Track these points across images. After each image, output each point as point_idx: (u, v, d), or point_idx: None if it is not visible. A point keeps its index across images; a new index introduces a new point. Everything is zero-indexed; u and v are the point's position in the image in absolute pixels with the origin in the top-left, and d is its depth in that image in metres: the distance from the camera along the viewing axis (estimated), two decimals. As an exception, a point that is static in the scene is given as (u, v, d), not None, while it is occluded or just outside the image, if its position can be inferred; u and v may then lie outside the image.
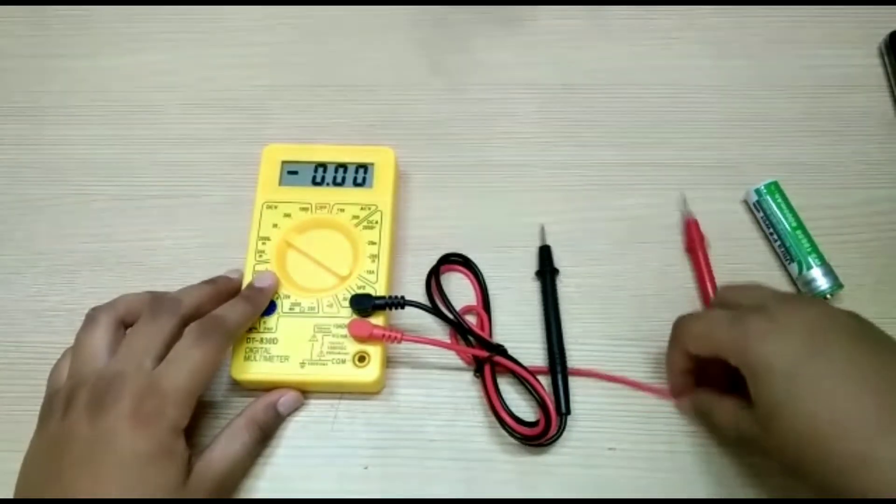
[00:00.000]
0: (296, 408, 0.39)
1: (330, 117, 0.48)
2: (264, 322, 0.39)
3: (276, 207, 0.42)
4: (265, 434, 0.38)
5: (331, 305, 0.39)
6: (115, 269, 0.44)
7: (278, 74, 0.50)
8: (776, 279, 0.43)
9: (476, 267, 0.43)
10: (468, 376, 0.41)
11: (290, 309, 0.39)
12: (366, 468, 0.39)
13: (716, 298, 0.38)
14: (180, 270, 0.44)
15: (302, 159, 0.43)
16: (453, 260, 0.43)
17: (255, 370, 0.38)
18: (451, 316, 0.40)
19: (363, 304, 0.39)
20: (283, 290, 0.40)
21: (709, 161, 0.47)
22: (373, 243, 0.41)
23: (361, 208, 0.42)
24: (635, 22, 0.52)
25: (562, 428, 0.38)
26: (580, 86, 0.50)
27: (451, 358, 0.41)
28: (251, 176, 0.43)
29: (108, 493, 0.30)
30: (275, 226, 0.41)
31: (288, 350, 0.39)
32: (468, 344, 0.40)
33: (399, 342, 0.38)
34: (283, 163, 0.43)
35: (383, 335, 0.38)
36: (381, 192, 0.42)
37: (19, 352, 0.42)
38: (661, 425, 0.39)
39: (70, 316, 0.42)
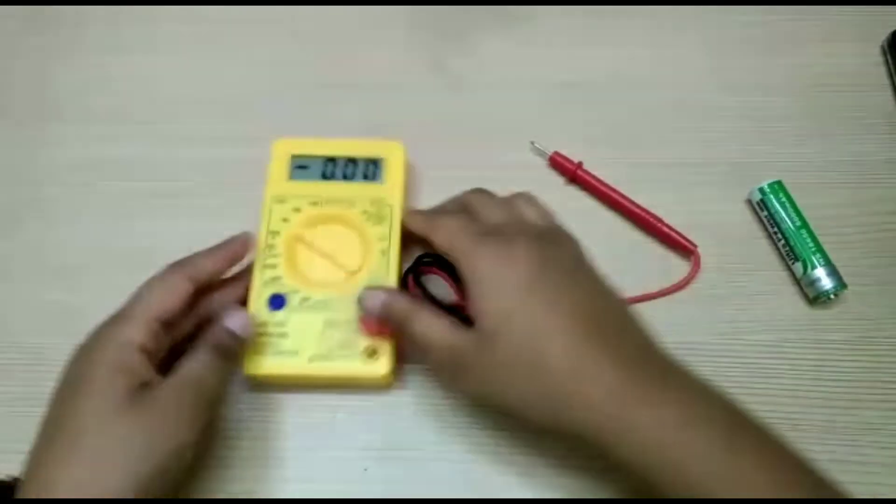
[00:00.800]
0: (247, 325, 0.36)
1: (330, 117, 0.48)
2: (274, 316, 0.39)
3: (285, 202, 0.41)
4: (225, 353, 0.35)
5: (341, 300, 0.39)
6: (115, 269, 0.44)
7: (278, 74, 0.50)
8: (780, 279, 0.43)
9: (450, 264, 0.42)
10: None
11: (301, 304, 0.39)
12: (366, 469, 0.38)
13: (465, 199, 0.40)
14: (180, 270, 0.44)
15: (311, 153, 0.43)
16: (426, 262, 0.42)
17: (266, 365, 0.38)
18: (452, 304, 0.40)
19: None
20: (293, 285, 0.40)
21: (709, 161, 0.46)
22: (383, 238, 0.41)
23: (371, 203, 0.41)
24: (635, 22, 0.52)
25: None
26: (580, 86, 0.50)
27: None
28: (251, 176, 0.43)
29: (69, 410, 0.32)
30: (284, 220, 0.41)
31: (298, 345, 0.38)
32: None
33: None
34: (293, 157, 0.43)
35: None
36: (390, 187, 0.42)
37: (19, 352, 0.42)
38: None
39: (70, 316, 0.42)
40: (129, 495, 0.30)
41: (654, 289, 0.43)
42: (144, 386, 0.32)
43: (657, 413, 0.30)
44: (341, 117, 0.48)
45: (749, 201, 0.45)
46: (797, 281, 0.43)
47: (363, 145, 0.43)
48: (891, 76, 0.49)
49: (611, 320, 0.34)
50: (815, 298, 0.42)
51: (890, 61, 0.49)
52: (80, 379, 0.33)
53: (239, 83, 0.50)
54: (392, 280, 0.40)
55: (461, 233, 0.36)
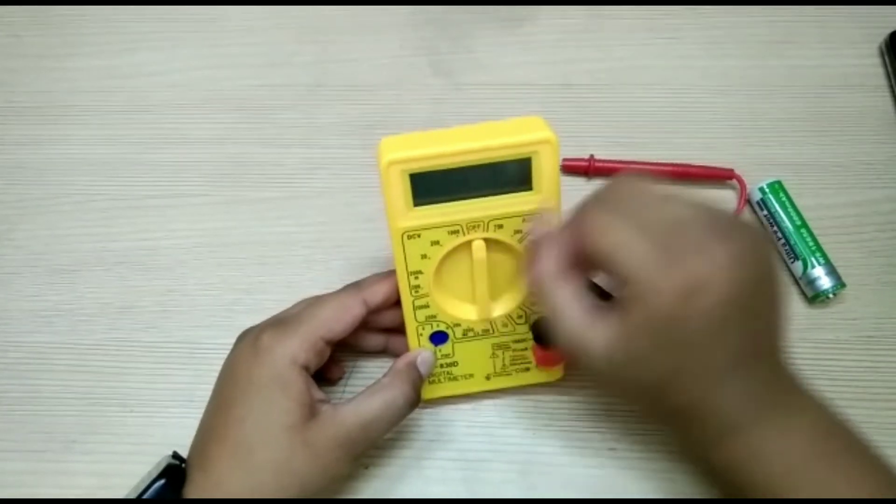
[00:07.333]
0: (433, 367, 0.38)
1: (330, 117, 0.48)
2: (440, 350, 0.38)
3: (419, 236, 0.34)
4: (414, 399, 0.35)
5: (505, 325, 0.37)
6: (114, 269, 0.44)
7: (278, 74, 0.50)
8: (777, 279, 0.43)
9: None
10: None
11: (464, 335, 0.37)
12: (366, 468, 0.38)
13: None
14: (179, 270, 0.44)
15: (434, 167, 0.31)
16: None
17: (443, 390, 0.39)
18: None
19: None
20: (451, 320, 0.36)
21: (709, 161, 0.46)
22: None
23: (524, 220, 0.33)
24: (635, 22, 0.52)
25: None
26: (580, 86, 0.50)
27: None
28: (251, 176, 0.43)
29: (237, 414, 0.32)
30: (424, 257, 0.34)
31: (470, 369, 0.38)
32: None
33: None
34: (412, 177, 0.32)
35: None
36: (544, 193, 0.33)
37: (19, 352, 0.42)
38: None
39: (70, 316, 0.42)
40: None
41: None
42: (314, 409, 0.33)
43: (787, 424, 0.30)
44: (339, 118, 0.48)
45: (748, 201, 0.45)
46: (796, 280, 0.43)
47: (497, 133, 0.32)
48: (889, 77, 0.49)
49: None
50: (814, 297, 0.42)
51: (888, 62, 0.50)
52: (247, 388, 0.33)
53: (239, 83, 0.50)
54: None
55: (632, 243, 0.28)
